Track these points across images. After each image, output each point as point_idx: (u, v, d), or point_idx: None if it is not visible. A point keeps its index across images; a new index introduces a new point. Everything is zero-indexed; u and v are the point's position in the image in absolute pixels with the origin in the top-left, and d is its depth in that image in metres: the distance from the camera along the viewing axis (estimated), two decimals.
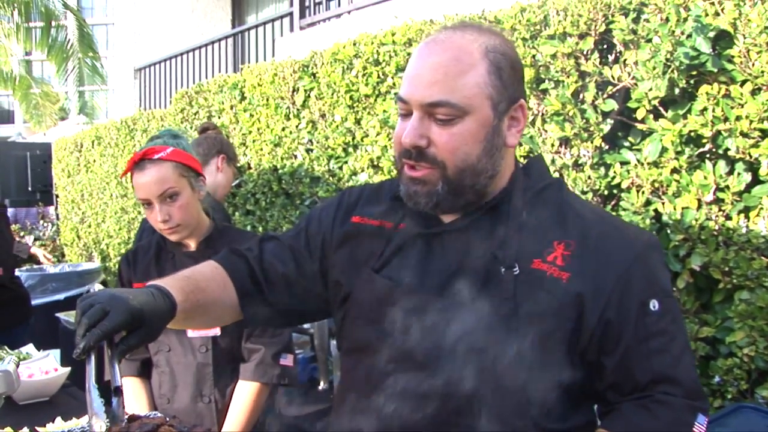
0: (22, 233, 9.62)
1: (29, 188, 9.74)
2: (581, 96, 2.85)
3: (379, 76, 3.90)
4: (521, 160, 1.52)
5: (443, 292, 1.32)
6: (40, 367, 2.59)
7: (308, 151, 4.51)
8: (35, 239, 9.55)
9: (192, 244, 2.35)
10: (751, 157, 2.39)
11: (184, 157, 2.27)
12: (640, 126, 2.70)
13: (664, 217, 2.61)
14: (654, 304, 1.26)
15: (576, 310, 1.25)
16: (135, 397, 2.34)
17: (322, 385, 3.15)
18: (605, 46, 2.84)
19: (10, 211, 9.75)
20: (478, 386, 1.25)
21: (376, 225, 1.48)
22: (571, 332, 1.25)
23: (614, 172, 2.76)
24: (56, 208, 10.03)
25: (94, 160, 8.32)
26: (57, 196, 9.80)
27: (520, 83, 1.37)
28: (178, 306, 1.35)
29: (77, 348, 1.20)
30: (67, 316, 4.30)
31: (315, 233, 1.57)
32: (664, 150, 2.61)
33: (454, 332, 1.27)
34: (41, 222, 10.14)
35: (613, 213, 2.75)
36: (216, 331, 2.27)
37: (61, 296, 6.33)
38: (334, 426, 1.49)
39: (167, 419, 1.84)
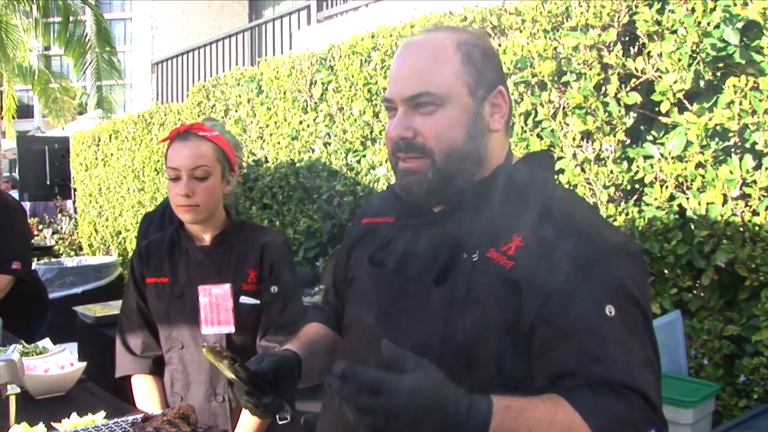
0: (40, 227, 9.67)
1: (47, 182, 9.80)
2: (604, 89, 2.80)
3: None
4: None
5: (414, 277, 1.40)
6: (57, 362, 2.56)
7: (326, 144, 4.48)
8: (53, 233, 9.60)
9: (206, 238, 2.33)
10: None
11: (226, 146, 2.30)
12: (664, 119, 2.65)
13: (689, 213, 2.57)
14: (610, 310, 1.21)
15: (513, 300, 1.26)
16: (148, 395, 2.32)
17: None
18: (628, 38, 2.79)
19: (28, 204, 9.83)
20: None
21: (382, 221, 1.58)
22: (510, 320, 1.26)
23: (637, 166, 2.72)
24: (74, 202, 10.08)
25: (112, 154, 8.34)
26: (75, 190, 9.84)
27: (497, 72, 1.43)
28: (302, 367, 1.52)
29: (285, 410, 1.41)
30: (84, 310, 4.29)
31: (341, 266, 1.70)
32: (688, 144, 2.56)
33: (413, 314, 1.36)
34: (59, 215, 10.18)
35: (636, 208, 2.70)
36: (230, 328, 2.24)
37: (78, 290, 6.36)
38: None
39: (181, 411, 1.83)
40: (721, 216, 2.46)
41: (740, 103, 2.40)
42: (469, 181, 1.39)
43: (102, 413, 2.07)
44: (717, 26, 2.45)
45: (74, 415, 2.07)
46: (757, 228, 2.40)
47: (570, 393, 1.18)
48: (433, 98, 1.34)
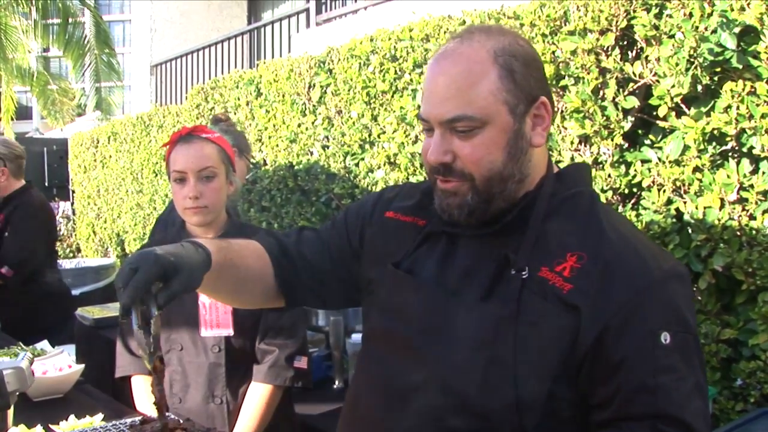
0: None
1: (46, 183, 9.78)
2: (602, 93, 2.80)
3: (396, 72, 3.87)
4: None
5: (455, 290, 1.35)
6: (54, 364, 2.57)
7: (324, 147, 4.48)
8: None
9: None
10: None
11: (228, 147, 2.33)
12: (661, 123, 2.65)
13: (686, 217, 2.57)
14: (665, 337, 1.21)
15: (571, 324, 1.23)
16: (147, 396, 2.32)
17: (336, 384, 3.12)
18: (626, 42, 2.80)
19: None
20: (468, 384, 1.28)
21: (409, 221, 1.52)
22: (566, 345, 1.23)
23: (635, 170, 2.72)
24: (72, 204, 10.06)
25: (110, 156, 8.34)
26: (73, 192, 9.83)
27: (539, 80, 1.35)
28: (212, 256, 1.38)
29: (120, 310, 1.27)
30: (83, 312, 4.28)
31: (354, 220, 1.62)
32: (686, 148, 2.56)
33: (456, 329, 1.31)
34: (57, 217, 10.16)
35: (633, 212, 2.71)
36: (229, 331, 2.24)
37: (76, 292, 6.34)
38: (344, 411, 1.54)
39: (180, 422, 1.83)
40: (719, 220, 2.46)
41: (737, 108, 2.40)
42: (512, 199, 1.35)
43: (100, 415, 2.08)
44: (714, 31, 2.45)
45: (72, 417, 2.07)
46: (754, 232, 2.40)
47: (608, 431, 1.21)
48: (471, 122, 1.28)
